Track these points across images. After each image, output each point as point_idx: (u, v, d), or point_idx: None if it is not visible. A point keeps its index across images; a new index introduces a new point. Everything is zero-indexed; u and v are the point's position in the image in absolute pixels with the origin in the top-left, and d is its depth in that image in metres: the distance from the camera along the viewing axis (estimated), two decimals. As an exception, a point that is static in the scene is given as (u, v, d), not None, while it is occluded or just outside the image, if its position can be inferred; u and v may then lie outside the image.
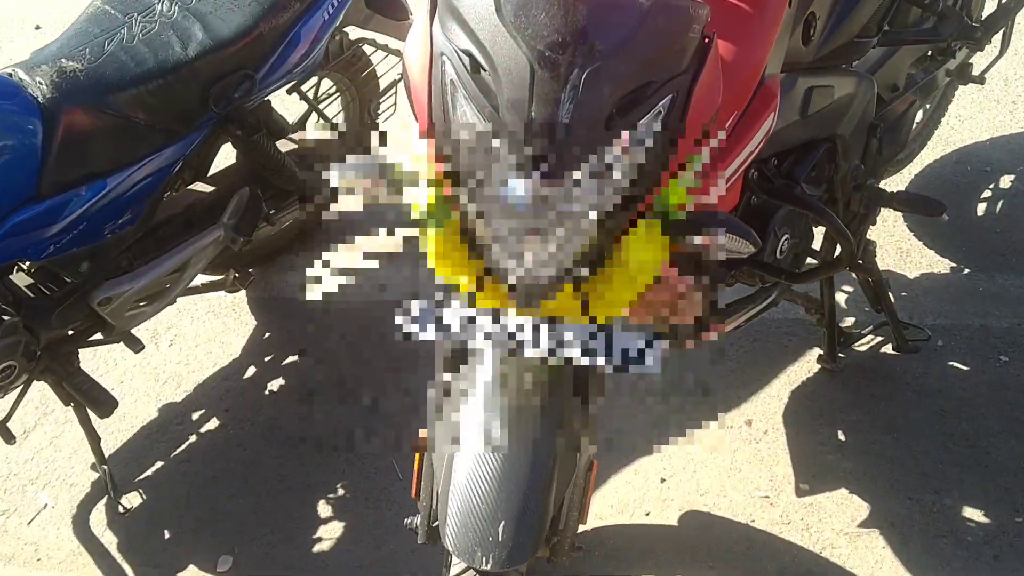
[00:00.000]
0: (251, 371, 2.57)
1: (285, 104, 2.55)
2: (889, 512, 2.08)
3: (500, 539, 1.40)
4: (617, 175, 1.26)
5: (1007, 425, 2.22)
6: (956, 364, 2.36)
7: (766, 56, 1.51)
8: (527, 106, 1.22)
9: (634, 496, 2.17)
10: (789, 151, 1.85)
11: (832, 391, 2.34)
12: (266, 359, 2.60)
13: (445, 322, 1.40)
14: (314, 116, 2.59)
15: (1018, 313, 2.48)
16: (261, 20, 2.15)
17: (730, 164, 1.50)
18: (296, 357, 2.59)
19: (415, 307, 1.41)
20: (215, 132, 2.22)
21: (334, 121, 2.54)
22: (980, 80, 2.53)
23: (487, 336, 1.38)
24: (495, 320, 1.39)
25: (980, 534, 2.02)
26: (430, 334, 1.40)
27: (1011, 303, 2.51)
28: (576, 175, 1.23)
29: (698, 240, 1.32)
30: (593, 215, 1.27)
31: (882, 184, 2.22)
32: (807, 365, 2.40)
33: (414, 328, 1.40)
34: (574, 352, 1.36)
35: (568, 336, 1.36)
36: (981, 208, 2.80)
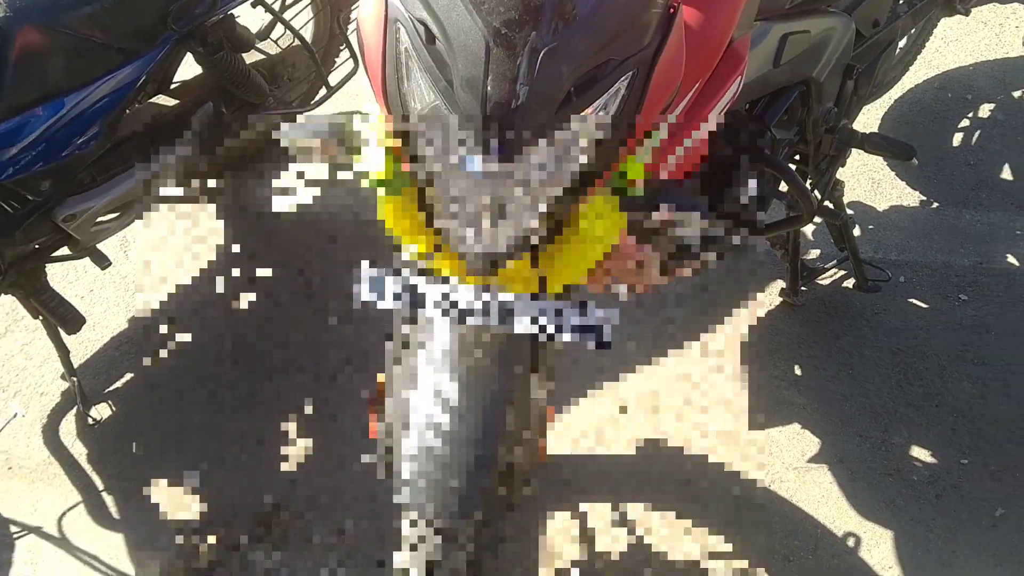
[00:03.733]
0: (220, 284, 2.56)
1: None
2: (838, 448, 2.14)
3: (451, 491, 1.44)
4: (573, 156, 1.24)
5: (960, 366, 2.26)
6: (916, 302, 2.38)
7: (735, 18, 1.46)
8: (482, 85, 1.19)
9: (591, 425, 2.21)
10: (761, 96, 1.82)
11: (792, 326, 2.36)
12: (235, 272, 2.58)
13: (399, 290, 1.40)
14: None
15: (981, 251, 2.48)
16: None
17: (692, 131, 1.47)
18: (265, 272, 2.56)
19: (368, 274, 1.41)
20: (176, 49, 2.17)
21: (300, 31, 2.46)
22: (965, 12, 2.46)
23: (436, 305, 1.39)
24: (445, 290, 1.39)
25: (925, 474, 2.08)
26: (388, 303, 1.40)
27: (976, 240, 2.51)
28: (532, 156, 1.22)
29: (654, 218, 1.32)
30: (549, 191, 1.26)
31: (862, 111, 2.17)
32: (768, 298, 2.43)
33: (372, 296, 1.40)
34: (522, 323, 1.37)
35: (519, 308, 1.37)
36: (957, 138, 2.77)
